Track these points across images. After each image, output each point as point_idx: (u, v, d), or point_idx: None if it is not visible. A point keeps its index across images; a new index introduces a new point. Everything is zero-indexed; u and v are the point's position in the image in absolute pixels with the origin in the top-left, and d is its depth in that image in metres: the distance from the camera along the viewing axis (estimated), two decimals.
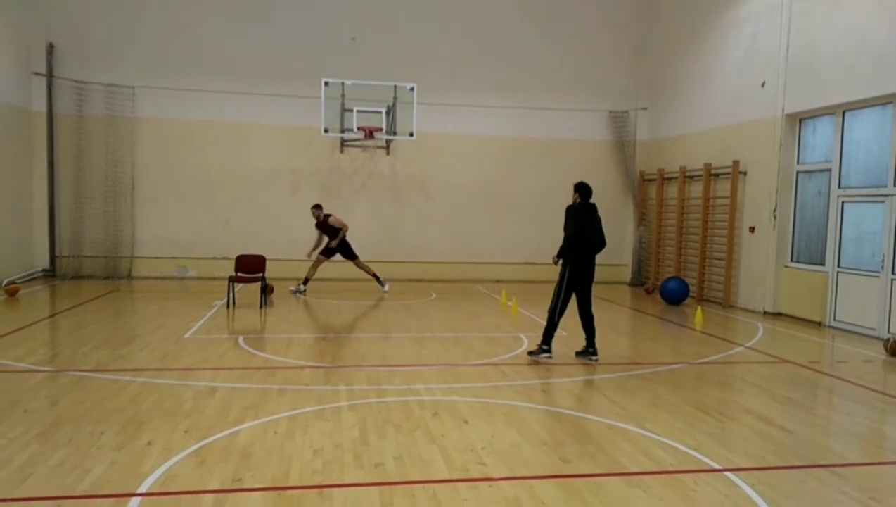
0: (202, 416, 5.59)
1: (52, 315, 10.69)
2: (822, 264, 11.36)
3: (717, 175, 13.85)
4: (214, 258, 15.17)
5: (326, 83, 14.03)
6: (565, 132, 16.64)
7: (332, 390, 6.51)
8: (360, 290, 13.95)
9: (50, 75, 14.59)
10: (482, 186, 16.43)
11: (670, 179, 15.58)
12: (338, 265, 13.85)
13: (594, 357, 7.98)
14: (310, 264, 13.21)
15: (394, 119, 14.59)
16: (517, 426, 5.59)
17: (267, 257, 12.00)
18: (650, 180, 16.52)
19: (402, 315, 11.27)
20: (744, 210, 13.07)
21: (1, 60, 13.56)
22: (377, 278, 13.74)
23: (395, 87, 14.45)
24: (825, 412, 6.70)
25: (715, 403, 6.44)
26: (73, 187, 14.87)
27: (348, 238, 13.30)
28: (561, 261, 7.90)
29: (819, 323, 11.16)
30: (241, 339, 8.88)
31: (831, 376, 7.82)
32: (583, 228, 7.83)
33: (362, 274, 13.79)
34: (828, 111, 11.35)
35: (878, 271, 10.22)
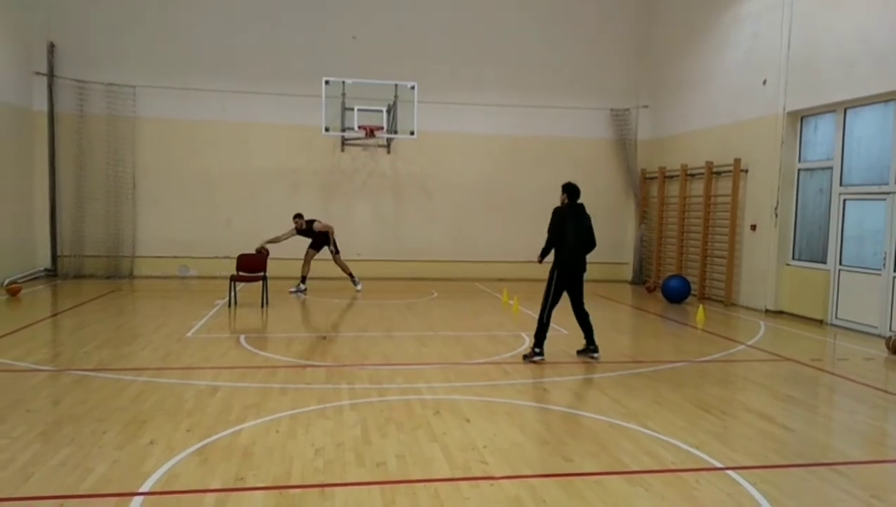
0: (204, 415, 5.59)
1: (54, 315, 10.70)
2: (824, 262, 11.35)
3: (718, 173, 13.84)
4: (216, 257, 15.17)
5: (327, 82, 14.03)
6: (566, 131, 16.63)
7: (334, 388, 6.51)
8: (362, 289, 13.96)
9: (51, 75, 14.59)
10: (483, 185, 16.43)
11: (672, 177, 15.57)
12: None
13: (595, 355, 7.99)
14: (301, 262, 13.20)
15: (394, 118, 14.59)
16: (519, 424, 5.59)
17: (267, 258, 12.01)
18: (651, 179, 16.51)
19: (404, 314, 11.27)
20: (745, 208, 13.06)
21: (2, 60, 13.56)
22: (352, 277, 13.69)
23: (396, 85, 14.44)
24: (827, 411, 6.70)
25: (716, 401, 6.43)
26: (75, 187, 14.88)
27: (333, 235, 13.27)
28: (552, 263, 7.89)
29: (821, 321, 11.15)
30: (242, 338, 8.89)
31: (833, 374, 7.81)
32: (567, 229, 7.79)
33: (360, 273, 13.77)
34: (829, 109, 11.33)
35: (879, 269, 10.21)
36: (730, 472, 4.65)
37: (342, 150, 15.77)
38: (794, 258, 12.14)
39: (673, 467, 4.74)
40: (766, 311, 12.28)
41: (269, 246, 12.32)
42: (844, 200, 11.03)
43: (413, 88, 14.22)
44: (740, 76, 13.25)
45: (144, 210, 15.26)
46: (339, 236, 13.34)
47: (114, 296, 12.61)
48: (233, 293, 11.46)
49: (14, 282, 12.73)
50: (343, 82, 14.15)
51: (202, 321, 9.97)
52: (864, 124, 10.79)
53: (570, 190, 7.99)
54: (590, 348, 8.04)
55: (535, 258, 8.10)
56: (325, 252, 13.20)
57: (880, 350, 9.03)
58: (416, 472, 4.54)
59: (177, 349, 8.10)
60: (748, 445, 5.25)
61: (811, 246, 11.83)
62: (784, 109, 12.04)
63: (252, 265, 11.83)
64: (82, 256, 14.93)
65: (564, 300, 7.94)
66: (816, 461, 4.96)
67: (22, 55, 14.28)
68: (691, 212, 14.79)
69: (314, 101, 14.29)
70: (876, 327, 10.17)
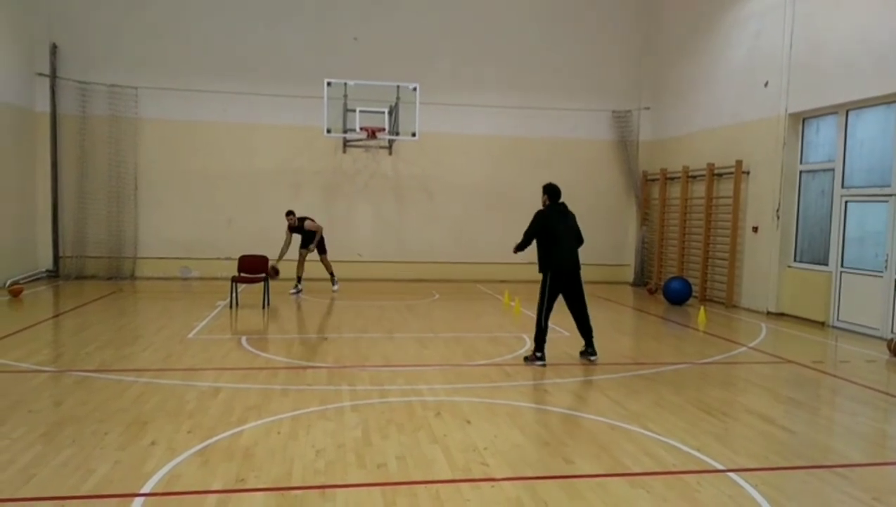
0: (205, 416, 5.60)
1: (56, 316, 10.72)
2: (826, 264, 11.34)
3: (720, 175, 13.84)
4: (217, 259, 15.19)
5: (329, 83, 14.03)
6: (568, 132, 16.63)
7: (335, 390, 6.51)
8: (361, 289, 13.98)
9: (53, 76, 14.63)
10: (485, 186, 16.43)
11: (673, 178, 15.56)
12: (338, 266, 13.89)
13: (593, 357, 7.97)
14: (296, 263, 13.27)
15: (396, 119, 14.59)
16: (520, 426, 5.59)
17: (269, 258, 12.04)
18: (653, 180, 16.50)
19: (405, 315, 11.28)
20: (747, 210, 13.05)
21: (4, 61, 13.59)
22: (332, 277, 13.73)
23: (398, 87, 14.44)
24: (828, 413, 6.70)
25: (718, 403, 6.43)
26: (77, 188, 14.91)
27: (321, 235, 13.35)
28: (543, 267, 7.87)
29: (822, 323, 11.14)
30: (244, 339, 8.89)
31: (834, 376, 7.81)
32: (559, 230, 7.77)
33: (362, 274, 13.79)
34: (831, 111, 11.33)
35: (881, 271, 10.20)
36: (731, 474, 4.64)
37: (344, 151, 15.79)
38: (795, 260, 12.13)
39: (674, 468, 4.74)
40: (768, 313, 12.27)
41: (280, 262, 12.59)
42: (846, 202, 11.02)
43: (415, 89, 14.22)
44: (742, 78, 13.25)
45: (146, 211, 15.28)
46: (340, 237, 13.40)
47: (115, 297, 12.63)
48: (234, 295, 11.47)
49: (16, 283, 12.75)
50: (345, 84, 14.17)
51: (204, 323, 9.98)
52: (866, 126, 10.78)
53: (552, 191, 7.98)
54: (588, 351, 8.03)
55: (535, 260, 8.09)
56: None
57: (882, 352, 9.02)
58: (416, 473, 4.54)
59: (178, 351, 8.11)
60: (749, 447, 5.25)
61: (813, 248, 11.82)
62: (786, 110, 12.03)
63: (253, 267, 11.84)
64: (84, 257, 14.96)
65: (561, 302, 7.93)
66: (818, 464, 4.96)
67: (24, 56, 14.31)
68: (693, 213, 14.78)
69: (316, 102, 14.30)
70: (877, 330, 10.15)
